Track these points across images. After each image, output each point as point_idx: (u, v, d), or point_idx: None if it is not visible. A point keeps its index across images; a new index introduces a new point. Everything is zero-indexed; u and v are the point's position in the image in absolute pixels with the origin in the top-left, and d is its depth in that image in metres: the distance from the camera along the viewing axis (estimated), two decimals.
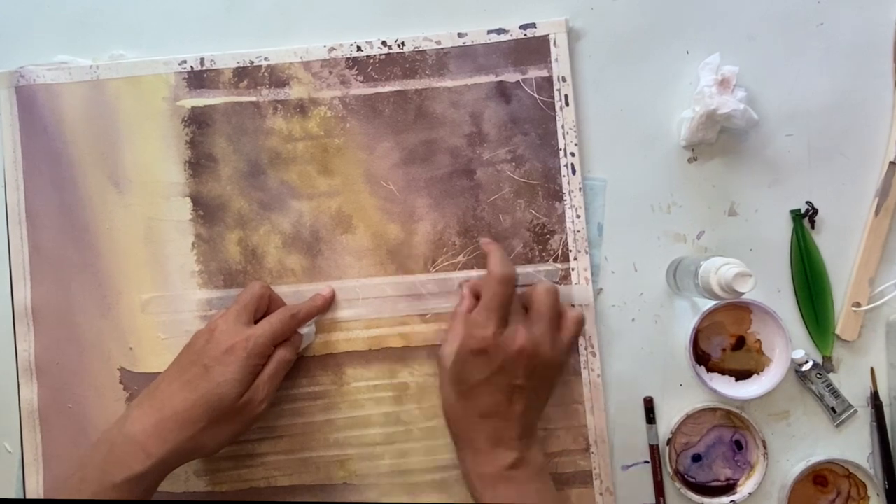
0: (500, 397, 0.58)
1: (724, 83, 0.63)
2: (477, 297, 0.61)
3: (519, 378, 0.58)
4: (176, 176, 0.66)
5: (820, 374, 0.64)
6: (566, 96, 0.65)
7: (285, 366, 0.61)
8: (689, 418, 0.64)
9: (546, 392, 0.61)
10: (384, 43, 0.66)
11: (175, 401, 0.56)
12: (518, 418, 0.58)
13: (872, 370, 0.65)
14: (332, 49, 0.66)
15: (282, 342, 0.61)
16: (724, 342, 0.65)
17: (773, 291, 0.65)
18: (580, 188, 0.65)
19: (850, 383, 0.65)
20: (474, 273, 0.65)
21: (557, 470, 0.64)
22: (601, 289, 0.65)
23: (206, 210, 0.66)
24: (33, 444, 0.65)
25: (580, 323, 0.63)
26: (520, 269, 0.65)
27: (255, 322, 0.60)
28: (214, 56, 0.66)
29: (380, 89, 0.66)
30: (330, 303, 0.65)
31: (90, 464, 0.55)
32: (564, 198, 0.65)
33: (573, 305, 0.64)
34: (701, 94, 0.63)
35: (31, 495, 0.65)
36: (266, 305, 0.62)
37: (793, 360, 0.63)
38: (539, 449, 0.60)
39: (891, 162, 0.65)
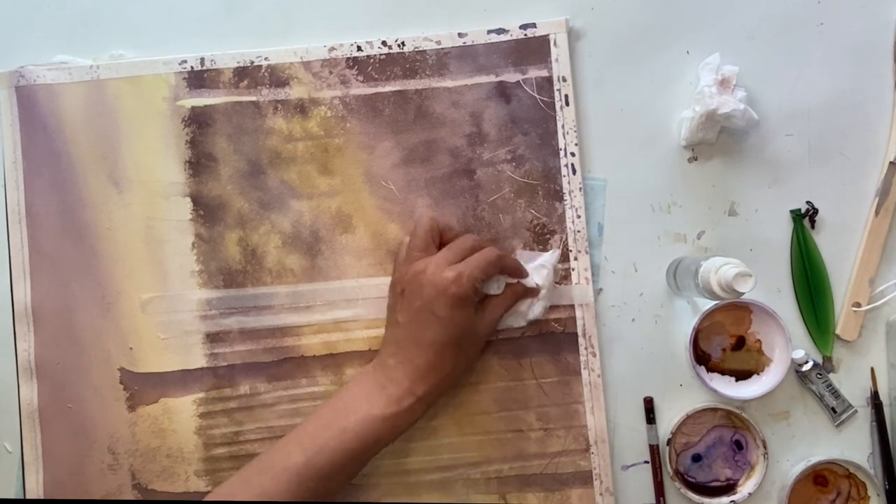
0: (408, 317, 0.60)
1: (724, 83, 0.63)
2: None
3: (420, 300, 0.60)
4: (176, 176, 0.66)
5: (820, 374, 0.64)
6: (566, 96, 0.65)
7: (509, 299, 0.63)
8: (689, 418, 0.64)
9: (437, 325, 0.60)
10: (384, 43, 0.66)
11: (422, 350, 0.60)
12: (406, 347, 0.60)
13: (872, 370, 0.65)
14: (332, 49, 0.66)
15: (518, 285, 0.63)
16: (724, 342, 0.65)
17: (773, 291, 0.65)
18: (580, 188, 0.65)
19: (850, 383, 0.65)
20: None
21: (557, 470, 0.65)
22: (601, 289, 0.65)
23: (206, 210, 0.66)
24: (33, 443, 0.65)
25: (489, 259, 0.61)
26: None
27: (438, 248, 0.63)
28: (215, 56, 0.66)
29: (380, 89, 0.66)
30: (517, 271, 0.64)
31: (359, 395, 0.60)
32: (564, 198, 0.65)
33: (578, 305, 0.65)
34: (701, 94, 0.63)
35: (31, 495, 0.65)
36: (438, 233, 0.63)
37: (793, 360, 0.63)
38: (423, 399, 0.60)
39: (891, 162, 0.65)
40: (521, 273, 0.63)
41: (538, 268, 0.64)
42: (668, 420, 0.65)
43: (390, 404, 0.59)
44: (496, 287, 0.62)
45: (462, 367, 0.62)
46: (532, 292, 0.64)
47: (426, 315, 0.59)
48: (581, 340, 0.65)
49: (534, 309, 0.64)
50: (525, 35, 0.65)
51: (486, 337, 0.63)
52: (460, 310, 0.59)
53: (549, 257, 0.64)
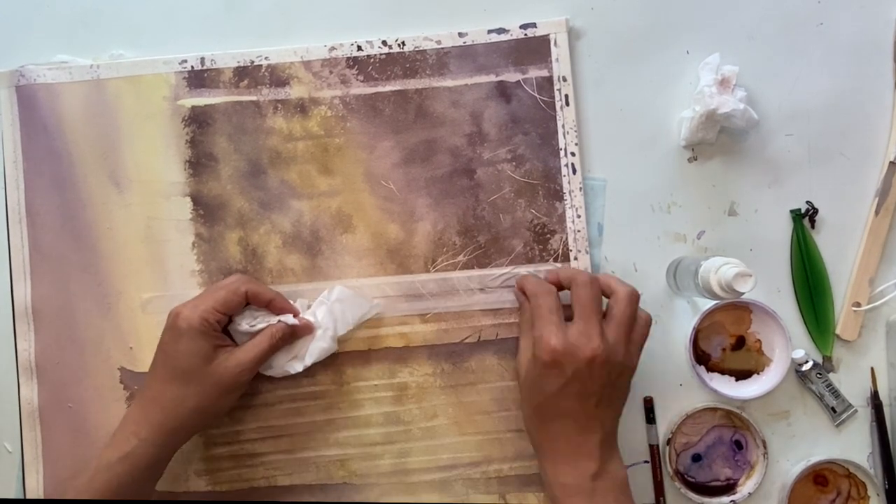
0: (576, 405, 0.57)
1: (724, 83, 0.63)
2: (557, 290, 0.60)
3: (594, 386, 0.57)
4: (176, 175, 0.66)
5: (820, 374, 0.64)
6: (566, 96, 0.65)
7: (265, 340, 0.60)
8: (689, 418, 0.64)
9: (621, 399, 0.59)
10: (384, 42, 0.66)
11: (153, 391, 0.59)
12: (598, 426, 0.57)
13: (872, 370, 0.65)
14: (332, 48, 0.66)
15: (280, 324, 0.61)
16: (724, 342, 0.65)
17: (773, 291, 0.65)
18: (580, 188, 0.65)
19: (850, 383, 0.65)
20: (475, 273, 0.65)
21: None
22: None
23: (206, 209, 0.66)
24: (33, 443, 0.65)
25: (649, 325, 0.60)
26: (520, 269, 0.65)
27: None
28: (215, 55, 0.66)
29: (380, 89, 0.66)
30: (301, 334, 0.62)
31: (99, 451, 0.59)
32: (565, 198, 0.65)
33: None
34: (701, 93, 0.63)
35: (31, 495, 0.65)
36: (241, 302, 0.61)
37: (793, 360, 0.63)
38: (619, 462, 0.58)
39: (891, 162, 0.65)
40: (283, 309, 0.62)
41: (319, 303, 0.63)
42: (668, 420, 0.65)
43: (119, 447, 0.58)
44: (247, 324, 0.61)
45: (192, 406, 0.59)
46: (302, 330, 0.62)
47: (159, 348, 0.60)
48: None
49: (311, 351, 0.62)
50: (525, 35, 0.65)
51: (234, 381, 0.59)
52: (185, 341, 0.58)
53: (334, 293, 0.62)
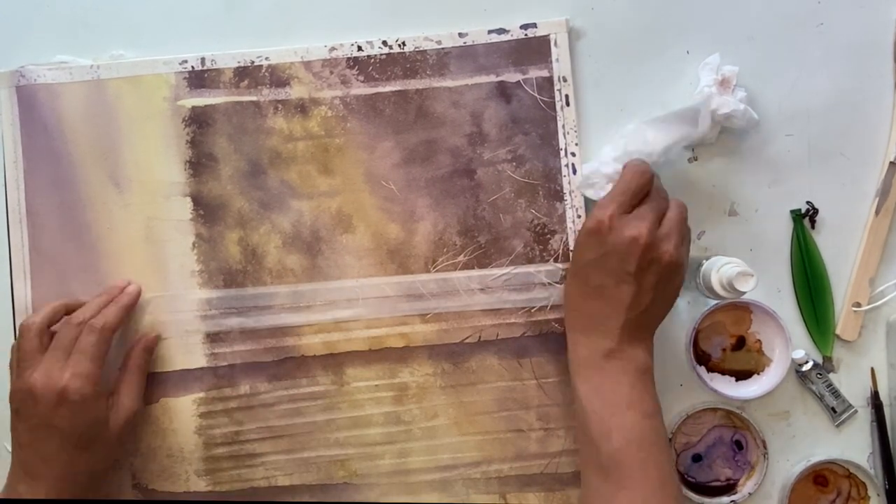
0: (608, 281, 0.56)
1: (724, 83, 0.63)
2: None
3: (629, 266, 0.55)
4: (176, 175, 0.66)
5: (820, 374, 0.64)
6: (567, 96, 0.65)
7: (140, 370, 0.62)
8: (689, 418, 0.64)
9: (664, 296, 0.58)
10: (385, 43, 0.66)
11: (56, 470, 0.57)
12: (624, 307, 0.56)
13: (872, 370, 0.65)
14: (332, 49, 0.66)
15: (135, 349, 0.63)
16: (725, 342, 0.65)
17: (774, 291, 0.65)
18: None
19: (850, 383, 0.65)
20: (475, 273, 0.65)
21: (558, 470, 0.65)
22: None
23: (206, 209, 0.66)
24: None
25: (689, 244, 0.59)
26: (520, 269, 0.65)
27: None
28: (215, 56, 0.66)
29: (380, 89, 0.66)
30: (136, 296, 0.64)
31: None
32: (565, 198, 0.65)
33: None
34: (700, 94, 0.63)
35: None
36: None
37: (793, 360, 0.63)
38: (647, 352, 0.57)
39: (891, 162, 0.65)
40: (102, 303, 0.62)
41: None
42: (668, 420, 0.65)
43: None
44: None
45: (101, 469, 0.60)
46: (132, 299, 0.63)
47: (45, 434, 0.57)
48: None
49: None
50: (525, 35, 0.65)
51: (129, 427, 0.61)
52: (84, 414, 0.57)
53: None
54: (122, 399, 0.61)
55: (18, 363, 0.59)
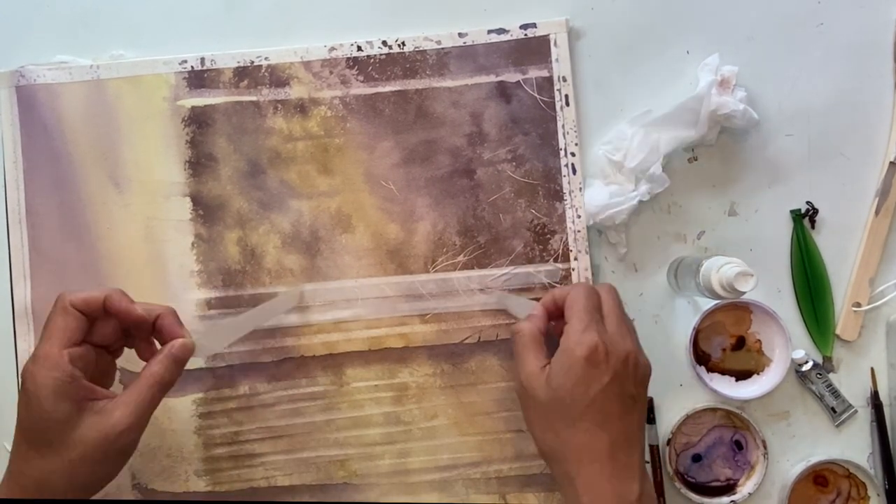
0: (618, 411, 0.51)
1: (723, 83, 0.63)
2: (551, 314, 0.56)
3: (633, 386, 0.52)
4: (176, 175, 0.66)
5: (820, 374, 0.64)
6: (566, 96, 0.65)
7: (145, 388, 0.50)
8: (689, 418, 0.64)
9: (645, 406, 0.55)
10: (384, 43, 0.66)
11: (12, 466, 0.50)
12: (637, 437, 0.52)
13: (872, 370, 0.65)
14: (332, 49, 0.66)
15: (158, 356, 0.52)
16: (725, 342, 0.65)
17: (773, 291, 0.65)
18: (580, 188, 0.65)
19: (850, 383, 0.65)
20: (475, 273, 0.65)
21: None
22: None
23: (205, 210, 0.66)
24: None
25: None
26: (520, 269, 0.65)
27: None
28: (215, 56, 0.66)
29: (380, 89, 0.66)
30: (183, 357, 0.53)
31: None
32: (565, 198, 0.65)
33: None
34: (700, 94, 0.63)
35: None
36: (85, 324, 0.51)
37: (793, 360, 0.63)
38: (650, 480, 0.53)
39: (891, 162, 0.65)
40: (163, 329, 0.52)
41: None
42: (668, 420, 0.65)
43: None
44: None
45: (60, 485, 0.48)
46: (186, 354, 0.52)
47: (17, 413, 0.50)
48: None
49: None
50: (525, 35, 0.65)
51: (111, 448, 0.49)
52: (35, 405, 0.48)
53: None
54: (113, 410, 0.49)
55: None
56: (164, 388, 0.51)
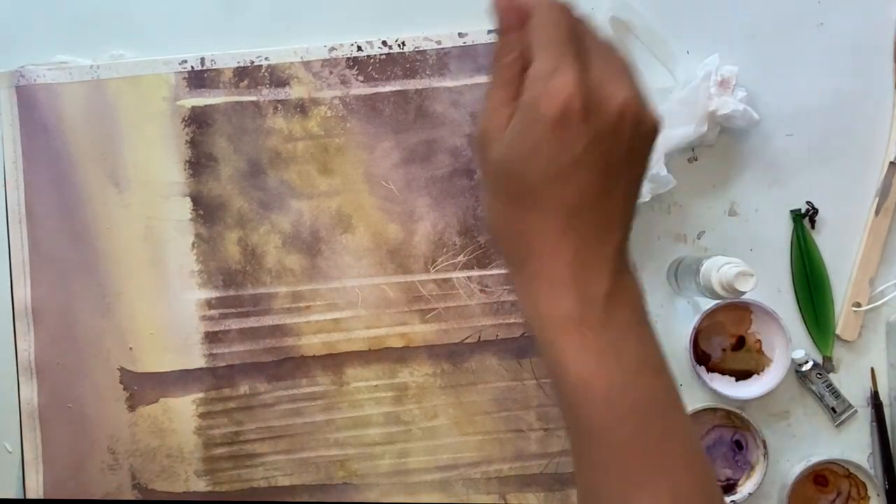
0: (592, 188, 0.35)
1: (723, 83, 0.63)
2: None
3: (619, 154, 0.35)
4: (176, 176, 0.66)
5: (820, 374, 0.64)
6: None
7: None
8: (690, 418, 0.64)
9: (641, 177, 0.38)
10: (385, 43, 0.66)
11: None
12: (619, 221, 0.37)
13: (872, 370, 0.65)
14: (332, 49, 0.66)
15: None
16: (725, 342, 0.65)
17: (774, 291, 0.65)
18: None
19: (850, 383, 0.65)
20: (475, 273, 0.65)
21: (557, 470, 0.64)
22: None
23: (205, 210, 0.66)
24: (33, 443, 0.65)
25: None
26: None
27: None
28: (215, 56, 0.66)
29: (380, 89, 0.66)
30: None
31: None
32: None
33: None
34: (700, 94, 0.63)
35: (31, 495, 0.65)
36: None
37: (793, 360, 0.63)
38: (633, 274, 0.38)
39: (891, 162, 0.65)
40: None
41: None
42: None
43: None
44: None
45: None
46: None
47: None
48: None
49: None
50: None
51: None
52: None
53: None
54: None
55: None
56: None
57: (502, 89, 0.39)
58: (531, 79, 0.36)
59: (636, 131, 0.36)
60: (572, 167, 0.35)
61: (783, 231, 0.65)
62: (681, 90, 0.63)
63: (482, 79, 0.65)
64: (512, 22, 0.40)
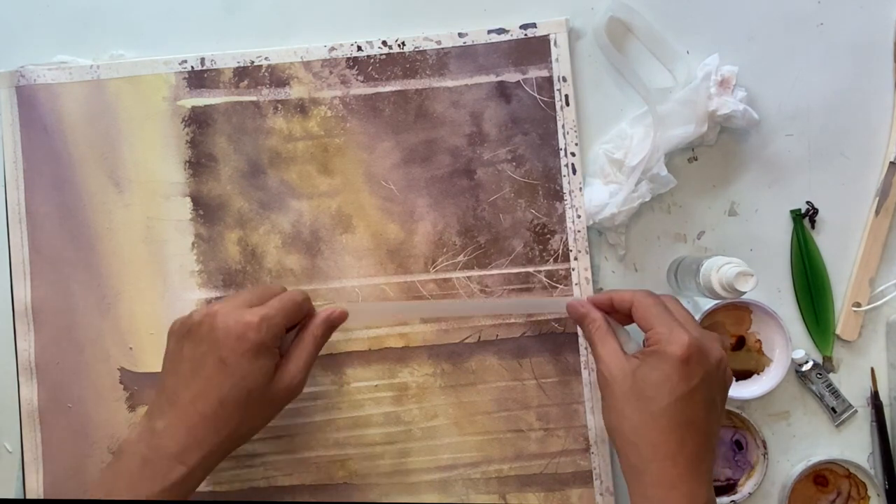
0: (702, 415, 0.51)
1: (723, 83, 0.63)
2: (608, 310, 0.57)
3: (718, 392, 0.52)
4: (176, 176, 0.66)
5: (820, 374, 0.64)
6: (566, 96, 0.65)
7: (314, 342, 0.56)
8: None
9: (724, 414, 0.56)
10: (384, 43, 0.66)
11: (200, 405, 0.52)
12: (714, 443, 0.52)
13: (872, 370, 0.65)
14: (332, 49, 0.66)
15: (319, 320, 0.57)
16: (725, 342, 0.65)
17: (773, 291, 0.65)
18: (580, 188, 0.65)
19: (850, 383, 0.65)
20: (475, 273, 0.65)
21: (557, 470, 0.65)
22: (601, 289, 0.65)
23: (206, 210, 0.66)
24: (33, 443, 0.65)
25: None
26: (520, 270, 0.65)
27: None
28: (215, 56, 0.66)
29: (380, 89, 0.66)
30: (337, 323, 0.58)
31: (118, 478, 0.52)
32: (565, 198, 0.65)
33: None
34: (700, 93, 0.63)
35: (31, 495, 0.65)
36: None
37: (793, 360, 0.63)
38: (713, 489, 0.52)
39: (891, 162, 0.65)
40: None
41: None
42: None
43: (161, 477, 0.50)
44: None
45: (245, 431, 0.54)
46: (339, 320, 0.58)
47: (217, 360, 0.52)
48: (581, 340, 0.65)
49: None
50: (525, 35, 0.65)
51: (290, 398, 0.55)
52: (255, 361, 0.52)
53: None
54: (289, 366, 0.54)
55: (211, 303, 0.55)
56: (321, 346, 0.57)
57: (612, 336, 0.55)
58: (657, 337, 0.52)
59: (726, 377, 0.53)
60: (690, 394, 0.50)
61: (783, 231, 0.65)
62: (681, 90, 0.63)
63: (482, 79, 0.65)
64: (606, 308, 0.57)
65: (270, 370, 0.53)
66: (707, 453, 0.51)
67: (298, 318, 0.56)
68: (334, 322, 0.58)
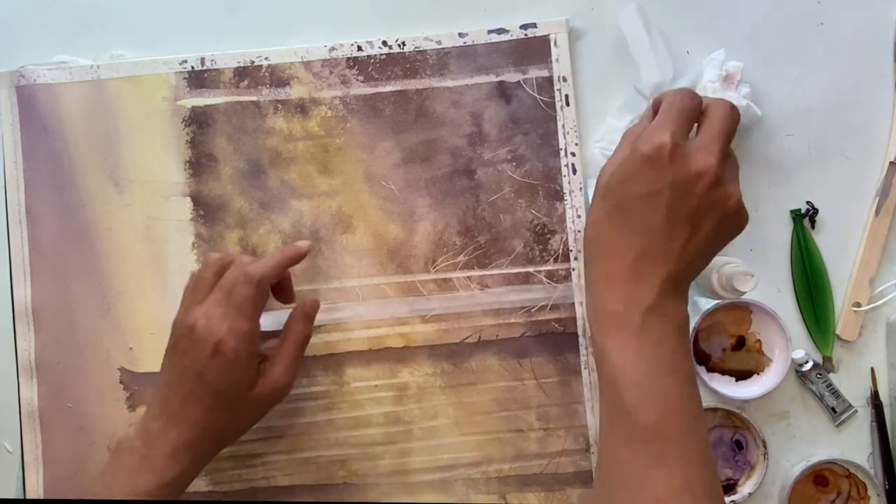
0: (659, 220, 0.47)
1: (728, 78, 0.63)
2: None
3: (689, 205, 0.47)
4: (176, 176, 0.66)
5: (820, 374, 0.64)
6: (567, 96, 0.65)
7: (296, 340, 0.58)
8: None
9: (716, 247, 0.50)
10: (385, 43, 0.66)
11: (188, 410, 0.54)
12: (673, 254, 0.48)
13: (872, 370, 0.65)
14: (332, 49, 0.66)
15: (296, 317, 0.59)
16: (725, 342, 0.65)
17: (774, 291, 0.65)
18: (581, 188, 0.65)
19: (850, 383, 0.65)
20: (475, 273, 0.65)
21: (558, 470, 0.65)
22: None
23: (206, 210, 0.66)
24: (33, 443, 0.65)
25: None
26: (519, 269, 0.65)
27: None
28: (215, 56, 0.66)
29: (380, 89, 0.66)
30: (301, 255, 0.59)
31: (118, 472, 0.55)
32: (565, 198, 0.65)
33: None
34: (703, 89, 0.63)
35: (31, 495, 0.65)
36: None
37: (793, 360, 0.63)
38: (684, 307, 0.49)
39: (891, 162, 0.65)
40: (289, 296, 0.60)
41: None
42: None
43: (157, 474, 0.53)
44: (272, 321, 0.58)
45: (233, 433, 0.57)
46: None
47: (194, 372, 0.54)
48: (581, 340, 0.65)
49: None
50: (525, 35, 0.65)
51: (273, 403, 0.57)
52: (233, 374, 0.54)
53: None
54: (273, 369, 0.56)
55: (192, 293, 0.57)
56: (306, 343, 0.59)
57: (625, 140, 0.52)
58: (645, 129, 0.49)
59: (709, 197, 0.47)
60: (651, 197, 0.47)
61: (783, 231, 0.65)
62: (685, 84, 0.63)
63: (482, 79, 0.65)
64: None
65: (250, 378, 0.56)
66: (661, 263, 0.47)
67: (261, 305, 0.56)
68: (309, 313, 0.60)
